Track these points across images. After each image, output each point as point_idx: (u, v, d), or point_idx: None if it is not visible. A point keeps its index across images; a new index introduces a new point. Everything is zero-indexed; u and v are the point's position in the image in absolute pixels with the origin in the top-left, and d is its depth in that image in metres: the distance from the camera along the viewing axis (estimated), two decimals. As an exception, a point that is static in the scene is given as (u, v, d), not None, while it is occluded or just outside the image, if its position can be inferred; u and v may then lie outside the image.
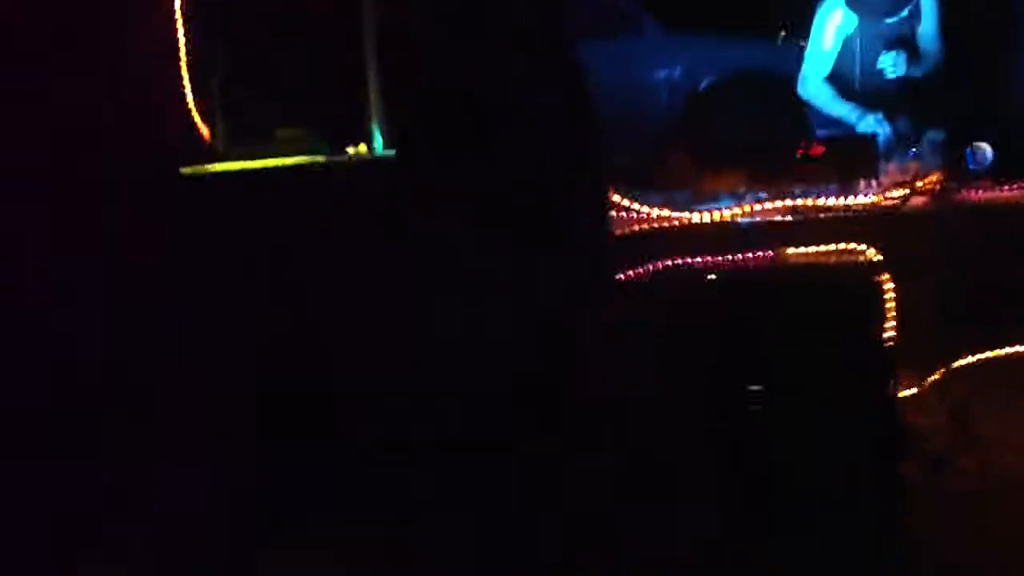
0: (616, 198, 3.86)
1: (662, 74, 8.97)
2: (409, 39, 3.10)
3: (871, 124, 4.59)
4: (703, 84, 8.65)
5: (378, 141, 3.94)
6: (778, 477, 3.53)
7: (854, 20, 4.71)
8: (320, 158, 3.79)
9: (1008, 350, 4.13)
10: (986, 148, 3.87)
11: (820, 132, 4.83)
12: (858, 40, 4.73)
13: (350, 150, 3.85)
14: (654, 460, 3.44)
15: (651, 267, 3.65)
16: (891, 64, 4.65)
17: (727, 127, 7.92)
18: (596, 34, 8.70)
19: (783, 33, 8.66)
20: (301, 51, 3.84)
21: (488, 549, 3.01)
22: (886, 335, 3.63)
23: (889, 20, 4.63)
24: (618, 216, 3.87)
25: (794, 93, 4.93)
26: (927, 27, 4.75)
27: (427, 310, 2.99)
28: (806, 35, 4.94)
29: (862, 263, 3.65)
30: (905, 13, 4.63)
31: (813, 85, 4.83)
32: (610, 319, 3.24)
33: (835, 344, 3.58)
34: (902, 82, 4.69)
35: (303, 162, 3.76)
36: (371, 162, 3.80)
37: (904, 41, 4.68)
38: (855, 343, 3.61)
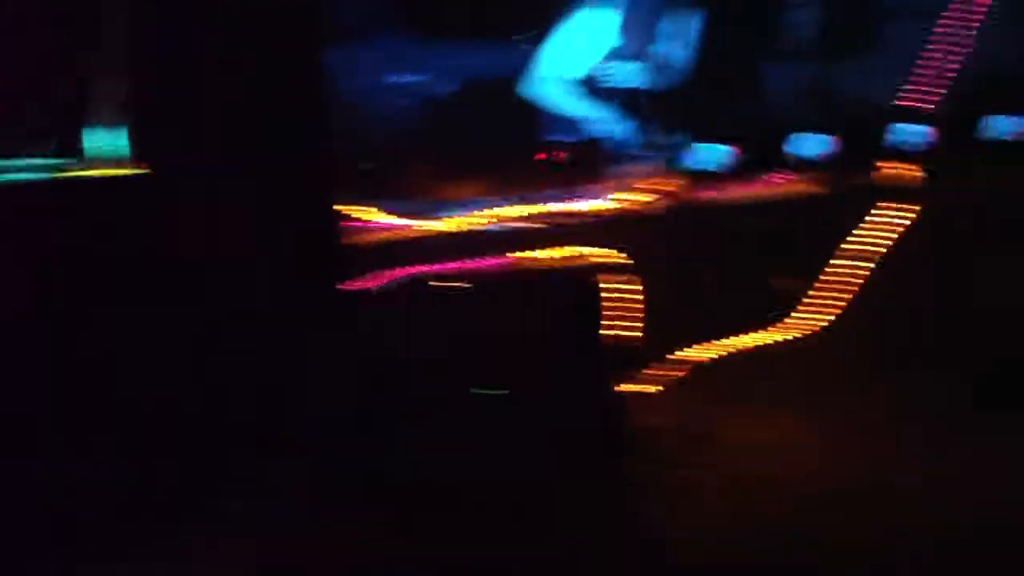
0: (354, 207, 3.77)
1: (409, 79, 8.92)
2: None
3: (610, 124, 4.59)
4: (449, 89, 8.66)
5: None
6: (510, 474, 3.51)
7: (598, 27, 4.70)
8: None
9: (740, 346, 4.25)
10: (722, 149, 3.97)
11: (562, 137, 4.82)
12: (609, 50, 4.70)
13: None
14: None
15: (387, 275, 3.59)
16: (628, 72, 4.63)
17: (471, 132, 7.95)
18: (343, 38, 8.59)
19: (519, 39, 8.77)
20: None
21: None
22: (620, 334, 3.67)
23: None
24: (356, 225, 3.79)
25: (530, 103, 4.89)
26: (679, 45, 4.71)
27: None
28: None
29: (602, 265, 3.70)
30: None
31: (544, 84, 4.79)
32: (341, 327, 3.16)
33: (564, 345, 3.60)
34: (643, 88, 4.70)
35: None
36: (113, 179, 3.57)
37: (650, 53, 4.68)
38: (585, 344, 3.64)
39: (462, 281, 3.63)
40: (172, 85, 3.03)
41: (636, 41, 4.66)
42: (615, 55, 4.66)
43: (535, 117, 4.97)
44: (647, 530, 3.29)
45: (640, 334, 3.67)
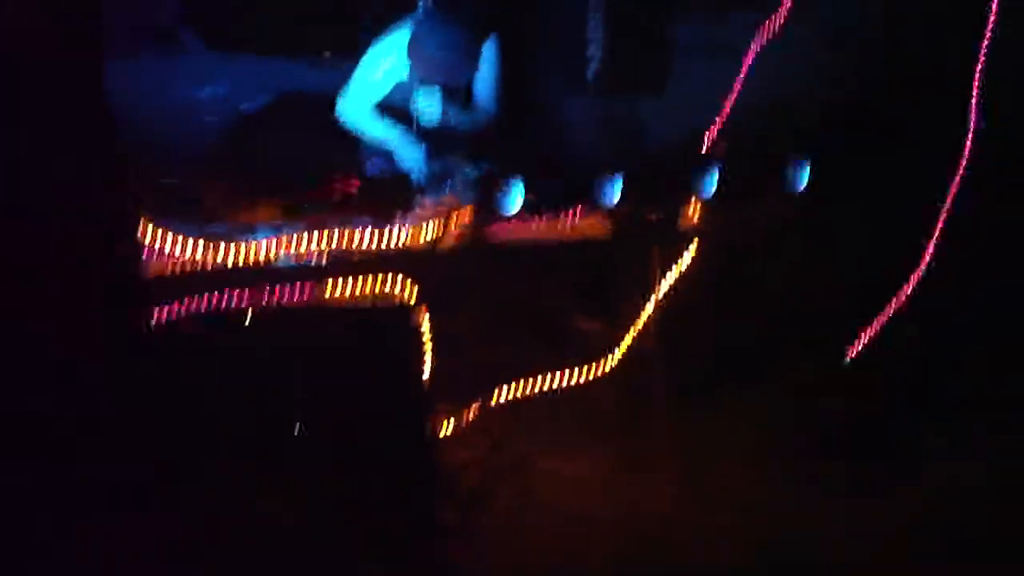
0: (148, 233, 3.63)
1: (204, 93, 8.72)
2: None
3: (409, 153, 4.52)
4: (245, 105, 8.49)
5: None
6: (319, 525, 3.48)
7: (404, 71, 4.55)
8: None
9: (545, 381, 4.28)
10: (514, 184, 3.97)
11: (364, 163, 4.74)
12: (412, 82, 4.57)
13: None
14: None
15: (181, 305, 3.47)
16: (427, 105, 4.52)
17: (268, 151, 7.79)
18: (131, 51, 8.34)
19: (327, 54, 8.65)
20: None
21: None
22: (423, 371, 3.66)
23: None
24: (150, 252, 3.64)
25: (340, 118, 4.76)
26: (484, 84, 4.65)
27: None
28: (354, 57, 4.75)
29: (399, 301, 3.66)
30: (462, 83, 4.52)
31: (352, 109, 4.66)
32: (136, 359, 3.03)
33: (374, 383, 3.57)
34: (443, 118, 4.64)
35: None
36: None
37: (453, 90, 4.56)
38: (393, 381, 3.62)
39: (267, 315, 3.55)
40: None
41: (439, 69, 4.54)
42: (419, 81, 4.57)
43: (337, 139, 4.89)
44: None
45: (436, 373, 3.64)
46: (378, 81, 4.61)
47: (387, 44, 4.55)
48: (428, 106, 4.50)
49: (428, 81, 4.47)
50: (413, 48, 4.40)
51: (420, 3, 4.42)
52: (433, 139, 4.58)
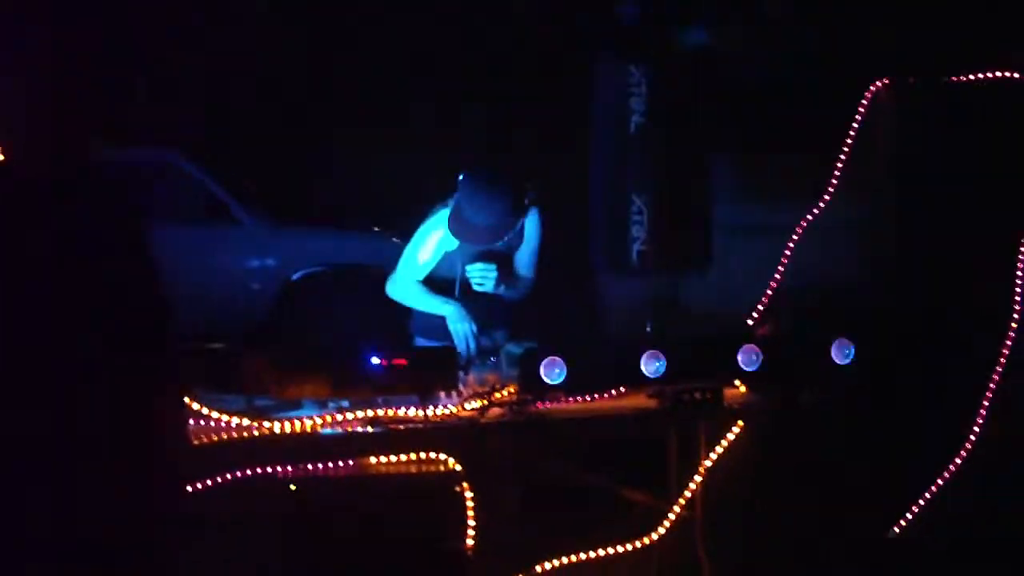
0: (195, 405, 3.68)
1: (255, 263, 8.92)
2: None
3: (460, 320, 4.58)
4: (295, 275, 8.65)
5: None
6: None
7: (454, 241, 4.65)
8: None
9: (583, 556, 4.25)
10: (559, 361, 4.00)
11: (424, 341, 4.79)
12: (459, 255, 4.68)
13: None
14: None
15: (228, 477, 3.50)
16: (479, 276, 4.59)
17: (316, 322, 7.92)
18: (189, 221, 8.59)
19: (376, 229, 8.85)
20: None
21: None
22: (466, 544, 3.64)
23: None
24: (196, 423, 3.69)
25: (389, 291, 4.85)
26: (525, 253, 4.78)
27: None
28: (403, 231, 4.87)
29: (442, 473, 3.66)
30: (502, 244, 4.62)
31: (403, 287, 4.76)
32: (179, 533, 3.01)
33: (415, 556, 3.55)
34: (490, 296, 4.71)
35: None
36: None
37: (500, 259, 4.66)
38: (435, 554, 3.60)
39: (309, 484, 3.57)
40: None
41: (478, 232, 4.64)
42: (466, 256, 4.68)
43: (387, 311, 4.96)
44: None
45: (478, 546, 3.62)
46: (427, 259, 4.72)
47: (434, 221, 4.68)
48: (483, 276, 4.59)
49: (469, 243, 4.58)
50: (454, 217, 4.52)
51: (460, 178, 4.52)
52: (480, 312, 4.64)
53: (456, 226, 4.52)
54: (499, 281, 4.60)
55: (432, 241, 4.68)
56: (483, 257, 4.63)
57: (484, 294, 4.64)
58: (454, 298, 4.63)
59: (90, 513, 2.68)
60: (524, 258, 4.80)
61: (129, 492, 2.76)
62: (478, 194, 4.46)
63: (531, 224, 4.74)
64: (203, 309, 7.20)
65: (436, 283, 4.73)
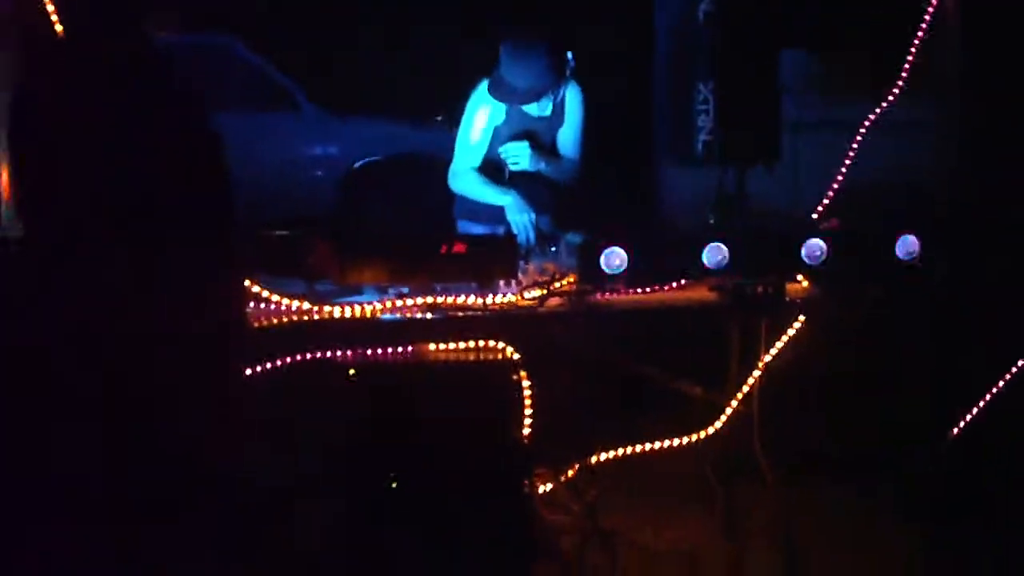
0: (255, 289, 3.70)
1: (316, 151, 8.92)
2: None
3: (520, 211, 4.60)
4: (357, 163, 8.63)
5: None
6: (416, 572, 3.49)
7: (502, 112, 4.70)
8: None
9: (638, 448, 4.27)
10: (620, 252, 3.97)
11: (467, 225, 4.82)
12: (506, 133, 4.73)
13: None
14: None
15: (291, 360, 3.53)
16: (513, 155, 4.65)
17: (377, 210, 7.89)
18: (248, 108, 8.58)
19: (439, 117, 8.79)
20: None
21: None
22: (524, 433, 3.66)
23: (531, 111, 4.65)
24: (256, 307, 3.72)
25: (445, 180, 4.88)
26: (568, 133, 4.81)
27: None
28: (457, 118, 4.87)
29: (500, 361, 3.67)
30: (547, 106, 4.65)
31: (463, 177, 4.79)
32: (246, 412, 3.05)
33: (473, 441, 3.58)
34: (544, 181, 4.73)
35: None
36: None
37: (537, 138, 4.72)
38: (493, 440, 3.62)
39: (374, 370, 3.59)
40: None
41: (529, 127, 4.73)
42: (514, 137, 4.70)
43: (447, 202, 4.96)
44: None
45: (535, 433, 3.64)
46: (478, 139, 4.77)
47: (476, 96, 4.73)
48: (517, 154, 4.65)
49: (509, 103, 4.62)
50: (494, 82, 4.57)
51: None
52: (535, 202, 4.64)
53: (496, 90, 4.56)
54: (536, 157, 4.65)
55: (479, 118, 4.72)
56: (515, 137, 4.68)
57: (535, 180, 4.65)
58: (508, 185, 4.63)
59: (148, 389, 2.72)
60: (568, 138, 4.81)
61: (189, 369, 2.79)
62: (515, 56, 4.48)
63: (572, 101, 4.76)
64: (266, 196, 7.22)
65: (494, 166, 4.76)
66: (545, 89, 4.54)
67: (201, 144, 2.86)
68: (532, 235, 4.55)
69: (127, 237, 2.71)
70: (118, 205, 2.72)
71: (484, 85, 4.64)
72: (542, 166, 4.70)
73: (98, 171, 2.70)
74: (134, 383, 2.73)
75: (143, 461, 2.72)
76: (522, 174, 4.69)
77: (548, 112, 4.69)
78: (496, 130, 4.74)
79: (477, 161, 4.77)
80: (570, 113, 4.78)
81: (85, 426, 2.69)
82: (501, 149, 4.68)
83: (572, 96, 4.75)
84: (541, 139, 4.75)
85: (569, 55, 4.60)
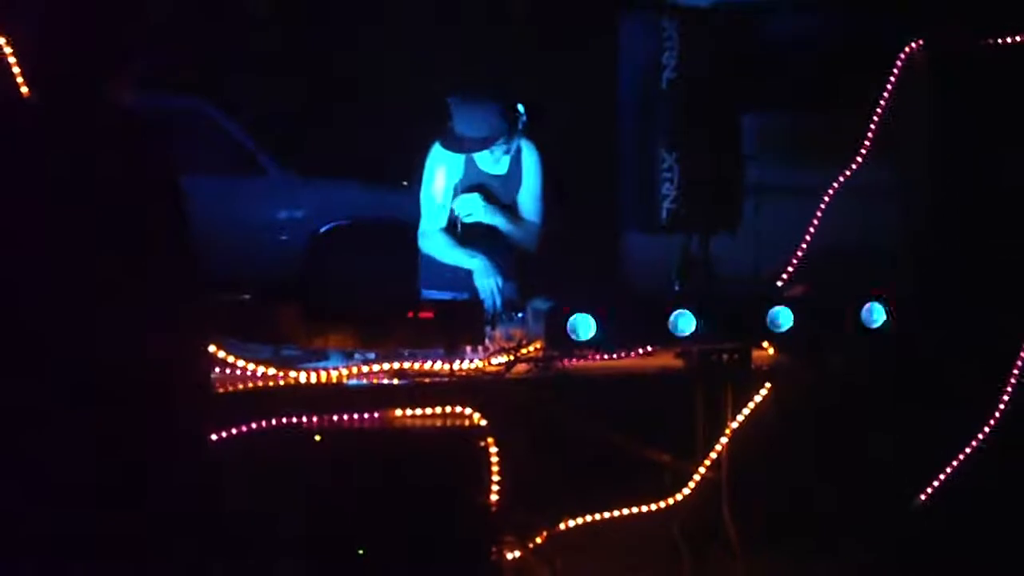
0: (221, 354, 3.67)
1: (282, 215, 8.92)
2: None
3: (487, 275, 4.61)
4: (323, 228, 8.64)
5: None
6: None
7: (459, 168, 4.75)
8: None
9: (606, 514, 4.24)
10: (588, 318, 3.97)
11: (432, 294, 4.81)
12: (462, 189, 4.79)
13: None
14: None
15: (256, 425, 3.50)
16: (465, 207, 4.73)
17: (342, 274, 7.88)
18: (216, 171, 8.57)
19: (405, 183, 8.82)
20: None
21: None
22: (491, 499, 3.63)
23: (486, 168, 4.70)
24: (222, 372, 3.69)
25: (413, 241, 4.88)
26: (527, 195, 4.86)
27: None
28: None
29: (467, 428, 3.66)
30: (503, 161, 4.72)
31: (431, 239, 4.81)
32: (202, 481, 3.01)
33: (440, 508, 3.55)
34: (509, 247, 4.75)
35: None
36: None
37: (492, 194, 4.78)
38: (460, 507, 3.60)
39: (334, 435, 3.56)
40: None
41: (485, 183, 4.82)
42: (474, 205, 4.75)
43: (413, 267, 4.95)
44: None
45: (504, 498, 3.62)
46: (441, 199, 4.81)
47: (432, 156, 4.81)
48: (468, 206, 4.74)
49: (462, 149, 4.67)
50: (445, 136, 4.67)
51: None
52: (501, 266, 4.66)
53: (447, 141, 4.64)
54: (490, 209, 4.72)
55: (439, 177, 4.78)
56: (468, 191, 4.75)
57: (499, 246, 4.72)
58: (476, 249, 4.65)
59: (110, 455, 2.69)
60: (527, 200, 4.85)
61: (152, 435, 2.76)
62: (463, 103, 4.56)
63: (528, 160, 4.81)
64: (231, 260, 7.18)
65: (454, 224, 4.81)
66: (494, 136, 4.59)
67: (168, 205, 2.85)
68: (499, 300, 4.56)
69: (89, 295, 2.70)
70: (80, 266, 2.70)
71: (437, 144, 4.72)
72: (500, 220, 4.75)
73: (61, 231, 2.69)
74: (101, 447, 2.70)
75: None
76: (486, 239, 4.71)
77: (504, 170, 4.74)
78: (454, 188, 4.78)
79: (443, 221, 4.79)
80: (527, 174, 4.83)
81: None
82: (454, 203, 4.71)
83: (528, 155, 4.81)
84: (497, 196, 4.80)
85: (520, 108, 4.67)
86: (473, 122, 4.55)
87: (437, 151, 4.73)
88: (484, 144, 4.60)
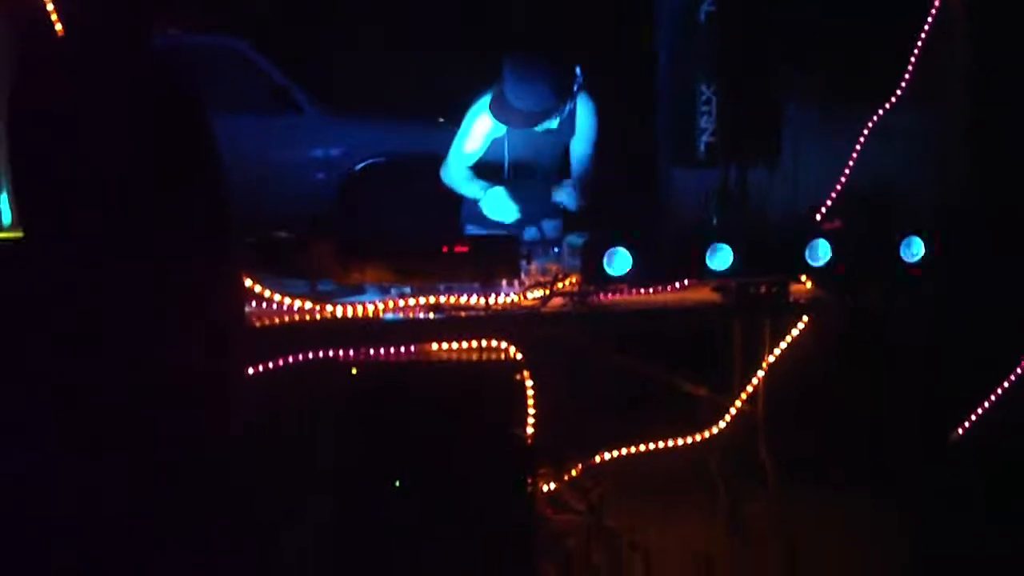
0: (256, 288, 3.68)
1: (318, 153, 8.92)
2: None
3: (514, 217, 4.58)
4: (358, 165, 8.65)
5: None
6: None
7: (502, 127, 4.64)
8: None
9: (642, 447, 4.26)
10: (624, 252, 3.96)
11: (474, 230, 4.79)
12: (506, 142, 4.67)
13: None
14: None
15: (293, 359, 3.52)
16: (565, 198, 4.64)
17: (379, 211, 7.90)
18: (251, 110, 8.58)
19: (442, 119, 8.80)
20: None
21: None
22: (527, 432, 3.65)
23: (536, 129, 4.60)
24: (258, 307, 3.71)
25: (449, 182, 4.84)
26: (580, 136, 4.74)
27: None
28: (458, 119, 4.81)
29: (503, 361, 3.66)
30: (553, 124, 4.58)
31: (451, 170, 4.77)
32: (244, 413, 3.03)
33: (476, 441, 3.57)
34: (548, 181, 4.71)
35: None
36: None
37: (542, 153, 4.68)
38: (496, 439, 3.61)
39: (376, 370, 3.58)
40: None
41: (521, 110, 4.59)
42: (522, 152, 4.65)
43: (450, 202, 4.95)
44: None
45: (538, 433, 3.63)
46: (473, 149, 4.72)
47: (477, 108, 4.66)
48: (497, 210, 4.61)
49: (510, 126, 4.55)
50: (496, 101, 4.50)
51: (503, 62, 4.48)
52: (539, 202, 4.62)
53: (498, 110, 4.50)
54: (524, 217, 4.59)
55: (477, 130, 4.67)
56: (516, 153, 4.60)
57: (532, 177, 4.64)
58: (502, 181, 4.60)
59: (147, 388, 2.71)
60: (579, 147, 4.74)
61: (188, 368, 2.78)
62: (518, 77, 4.41)
63: (583, 113, 4.68)
64: (267, 198, 7.22)
65: (489, 166, 4.72)
66: (546, 111, 4.46)
67: (199, 144, 2.85)
68: (530, 233, 4.53)
69: (124, 235, 2.71)
70: (114, 204, 2.71)
71: (487, 99, 4.58)
72: (548, 171, 4.63)
73: (95, 170, 2.70)
74: (132, 382, 2.72)
75: (140, 460, 2.71)
76: (525, 181, 4.64)
77: (555, 126, 4.61)
78: (495, 141, 4.70)
79: (470, 163, 4.73)
80: (581, 124, 4.70)
81: (81, 425, 2.69)
82: (555, 194, 4.65)
83: (583, 108, 4.67)
84: (544, 154, 4.70)
85: (577, 70, 4.53)
86: (526, 93, 4.39)
87: (482, 106, 4.60)
88: (534, 121, 4.46)
